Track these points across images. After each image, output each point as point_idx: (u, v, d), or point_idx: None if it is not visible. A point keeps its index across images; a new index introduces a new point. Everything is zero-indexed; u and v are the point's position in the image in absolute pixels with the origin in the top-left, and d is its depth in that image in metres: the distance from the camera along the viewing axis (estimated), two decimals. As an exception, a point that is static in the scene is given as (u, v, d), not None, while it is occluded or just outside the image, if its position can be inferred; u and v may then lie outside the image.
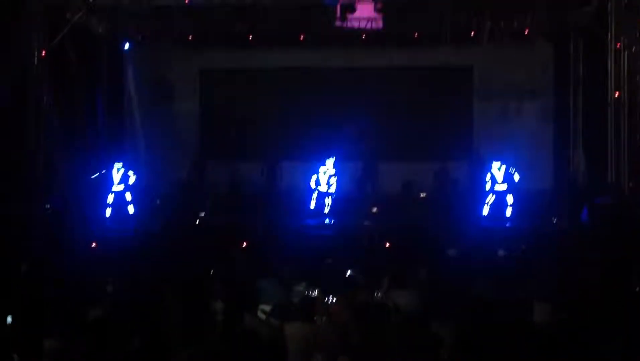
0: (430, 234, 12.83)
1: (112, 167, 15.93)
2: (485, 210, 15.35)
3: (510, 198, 15.24)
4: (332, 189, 17.31)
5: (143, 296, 7.46)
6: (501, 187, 15.31)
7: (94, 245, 11.97)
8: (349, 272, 8.45)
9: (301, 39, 18.98)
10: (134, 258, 10.26)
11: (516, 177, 15.48)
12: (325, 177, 17.17)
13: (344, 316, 6.81)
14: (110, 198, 15.69)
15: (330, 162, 17.41)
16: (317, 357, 5.85)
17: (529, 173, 17.72)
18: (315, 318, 6.79)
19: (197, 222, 15.58)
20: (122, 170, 15.86)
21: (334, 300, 7.38)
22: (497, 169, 15.46)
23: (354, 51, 19.25)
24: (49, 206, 15.95)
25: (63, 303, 6.89)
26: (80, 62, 18.40)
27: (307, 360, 5.85)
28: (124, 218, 15.65)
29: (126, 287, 8.04)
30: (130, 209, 15.73)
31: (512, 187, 15.33)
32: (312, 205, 16.28)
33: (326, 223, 15.15)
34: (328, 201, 16.61)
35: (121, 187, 15.75)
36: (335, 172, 17.60)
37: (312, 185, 16.57)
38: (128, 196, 15.73)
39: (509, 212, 15.19)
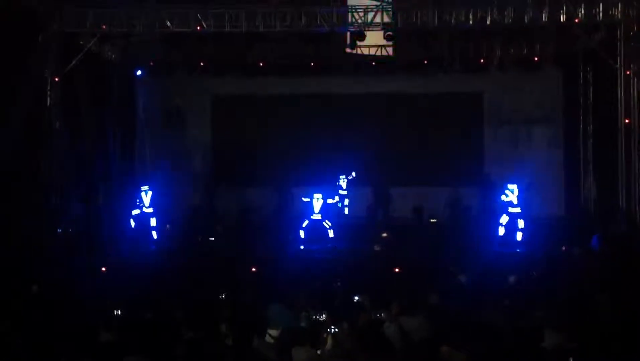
0: (440, 259, 12.79)
1: (140, 190, 15.97)
2: (501, 231, 15.23)
3: (521, 223, 15.16)
4: (346, 211, 17.45)
5: (153, 319, 7.47)
6: (515, 209, 15.23)
7: (103, 269, 12.00)
8: (356, 298, 8.41)
9: (312, 66, 19.18)
10: (145, 282, 10.28)
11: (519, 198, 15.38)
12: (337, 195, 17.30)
13: (351, 342, 6.78)
14: (132, 222, 15.76)
15: (343, 183, 17.49)
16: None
17: (539, 199, 17.69)
18: (322, 343, 6.77)
19: (207, 247, 15.59)
20: (150, 193, 15.90)
21: (342, 325, 7.36)
22: (511, 191, 15.38)
23: (364, 78, 19.40)
24: (60, 230, 16.04)
25: (74, 325, 6.91)
26: (93, 88, 18.61)
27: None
28: (136, 242, 15.69)
29: (136, 310, 8.05)
30: (154, 234, 15.79)
31: (525, 211, 15.26)
32: (331, 233, 16.18)
33: (336, 248, 15.10)
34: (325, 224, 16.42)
35: (150, 210, 15.80)
36: (347, 196, 17.68)
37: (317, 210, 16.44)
38: (153, 221, 15.79)
39: (519, 236, 15.10)
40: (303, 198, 16.54)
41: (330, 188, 16.97)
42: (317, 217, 15.77)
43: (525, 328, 7.11)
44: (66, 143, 17.16)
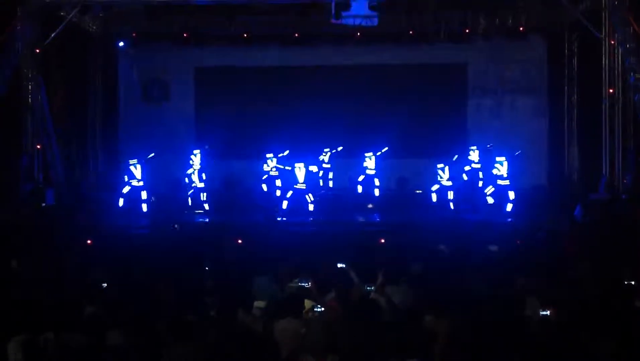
0: (424, 230, 12.87)
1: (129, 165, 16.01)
2: (490, 200, 15.47)
3: (512, 194, 15.38)
4: (330, 184, 17.51)
5: (137, 292, 7.48)
6: (504, 182, 15.44)
7: (89, 242, 11.97)
8: (340, 265, 8.40)
9: (296, 37, 19.04)
10: (130, 255, 10.27)
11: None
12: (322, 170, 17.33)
13: (336, 313, 6.83)
14: (121, 200, 15.78)
15: (325, 157, 17.53)
16: (306, 356, 5.86)
17: (523, 170, 17.79)
18: (307, 315, 6.80)
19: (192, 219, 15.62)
20: (139, 166, 15.93)
21: (328, 297, 7.39)
22: (500, 164, 15.56)
23: (348, 49, 19.29)
24: (44, 204, 15.96)
25: (59, 300, 6.91)
26: (74, 60, 18.41)
27: (297, 357, 5.86)
28: (121, 215, 15.71)
29: (121, 284, 8.04)
30: (144, 207, 15.85)
31: (514, 182, 15.54)
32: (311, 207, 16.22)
33: (321, 220, 15.16)
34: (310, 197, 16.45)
35: (141, 183, 15.83)
36: (331, 169, 17.69)
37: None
38: (144, 194, 15.81)
39: (509, 207, 15.34)
40: (285, 167, 16.58)
41: (312, 159, 16.98)
42: (302, 186, 15.86)
43: (508, 296, 7.18)
44: (49, 116, 16.99)
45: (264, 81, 19.72)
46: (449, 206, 16.02)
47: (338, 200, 16.98)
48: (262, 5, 17.15)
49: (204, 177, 16.72)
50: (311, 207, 15.90)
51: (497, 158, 15.71)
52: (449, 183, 16.07)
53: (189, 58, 19.82)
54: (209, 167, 17.55)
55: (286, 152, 17.23)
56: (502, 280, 7.76)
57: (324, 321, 6.52)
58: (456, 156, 16.71)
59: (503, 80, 19.60)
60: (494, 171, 15.80)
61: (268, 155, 17.33)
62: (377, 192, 16.96)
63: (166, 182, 17.99)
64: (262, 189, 17.17)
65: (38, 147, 16.61)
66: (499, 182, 15.47)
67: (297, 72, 19.73)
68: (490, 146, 16.94)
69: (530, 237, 11.91)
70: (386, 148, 17.33)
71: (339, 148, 17.58)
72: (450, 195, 16.05)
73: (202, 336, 6.03)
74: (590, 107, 17.36)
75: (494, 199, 15.51)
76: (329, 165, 17.75)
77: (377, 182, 16.98)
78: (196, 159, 17.25)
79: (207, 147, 17.65)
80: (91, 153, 19.63)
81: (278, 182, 16.95)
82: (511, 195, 15.31)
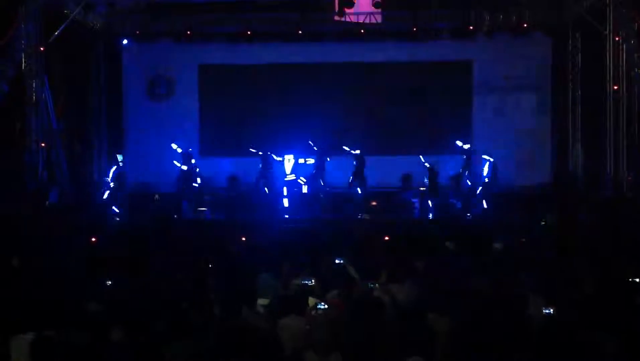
0: (427, 227, 12.86)
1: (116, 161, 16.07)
2: (484, 203, 15.45)
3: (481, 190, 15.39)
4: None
5: (140, 290, 7.49)
6: (489, 180, 15.46)
7: (93, 240, 11.99)
8: (339, 260, 8.40)
9: (299, 34, 19.04)
10: (133, 253, 10.28)
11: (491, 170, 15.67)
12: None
13: (340, 311, 6.83)
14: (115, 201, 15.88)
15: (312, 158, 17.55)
16: (309, 353, 5.87)
17: (527, 167, 17.77)
18: (310, 312, 6.81)
19: (195, 217, 15.64)
20: (114, 168, 15.97)
21: (331, 294, 7.40)
22: (488, 164, 15.55)
23: (352, 46, 19.27)
24: (48, 203, 15.99)
25: (62, 298, 6.93)
26: (78, 58, 18.43)
27: (300, 355, 5.87)
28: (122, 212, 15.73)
29: (124, 282, 8.06)
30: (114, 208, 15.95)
31: (499, 181, 15.52)
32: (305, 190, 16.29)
33: (324, 217, 15.16)
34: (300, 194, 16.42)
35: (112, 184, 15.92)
36: (332, 166, 17.67)
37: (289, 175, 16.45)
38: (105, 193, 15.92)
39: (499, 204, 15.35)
40: (275, 157, 16.62)
41: (303, 153, 16.97)
42: (291, 177, 16.00)
43: (510, 294, 7.17)
44: (52, 114, 17.02)
45: (268, 78, 19.69)
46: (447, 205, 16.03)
47: (339, 198, 16.96)
48: (265, 2, 17.12)
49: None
50: (305, 189, 15.95)
51: (484, 156, 15.71)
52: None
53: (192, 55, 19.81)
54: (195, 166, 17.69)
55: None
56: (505, 278, 7.74)
57: (327, 319, 6.52)
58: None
59: (507, 77, 19.55)
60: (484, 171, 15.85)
61: (260, 153, 17.33)
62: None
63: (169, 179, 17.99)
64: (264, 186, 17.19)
65: (42, 145, 16.62)
66: (486, 179, 15.50)
67: (300, 69, 19.69)
68: (473, 149, 16.92)
69: (531, 234, 11.91)
70: (358, 151, 17.19)
71: (315, 148, 17.43)
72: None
73: (205, 333, 6.04)
74: (594, 103, 17.31)
75: (484, 198, 15.51)
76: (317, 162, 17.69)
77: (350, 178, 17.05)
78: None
79: (190, 149, 17.66)
80: (95, 152, 19.64)
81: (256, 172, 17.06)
82: (482, 190, 15.34)
